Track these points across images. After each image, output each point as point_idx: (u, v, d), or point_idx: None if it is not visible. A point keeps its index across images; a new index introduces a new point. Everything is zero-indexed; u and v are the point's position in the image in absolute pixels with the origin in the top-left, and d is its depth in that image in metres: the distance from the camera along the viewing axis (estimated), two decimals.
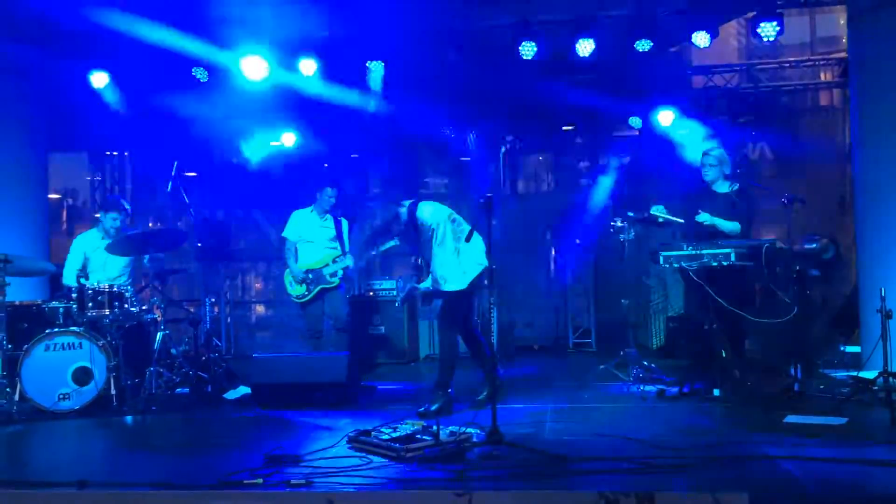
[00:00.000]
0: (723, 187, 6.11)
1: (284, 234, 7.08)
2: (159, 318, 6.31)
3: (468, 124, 10.11)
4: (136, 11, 7.54)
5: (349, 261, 6.84)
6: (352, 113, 9.92)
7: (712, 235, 5.91)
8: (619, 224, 6.63)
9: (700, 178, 6.24)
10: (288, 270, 6.98)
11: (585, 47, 7.80)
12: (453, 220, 5.45)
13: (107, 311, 5.95)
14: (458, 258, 5.38)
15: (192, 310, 7.57)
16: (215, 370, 6.58)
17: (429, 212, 5.47)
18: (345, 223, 7.05)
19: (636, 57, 8.13)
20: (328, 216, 6.99)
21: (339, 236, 6.95)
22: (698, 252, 5.60)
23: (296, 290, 6.92)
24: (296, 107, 9.69)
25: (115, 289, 6.05)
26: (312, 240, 6.95)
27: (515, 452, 4.08)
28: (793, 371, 5.65)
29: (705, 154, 6.26)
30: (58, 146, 9.50)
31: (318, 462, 3.94)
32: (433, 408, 5.22)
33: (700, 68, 10.28)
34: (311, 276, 6.83)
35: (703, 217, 5.94)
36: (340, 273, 6.86)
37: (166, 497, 3.46)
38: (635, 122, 9.84)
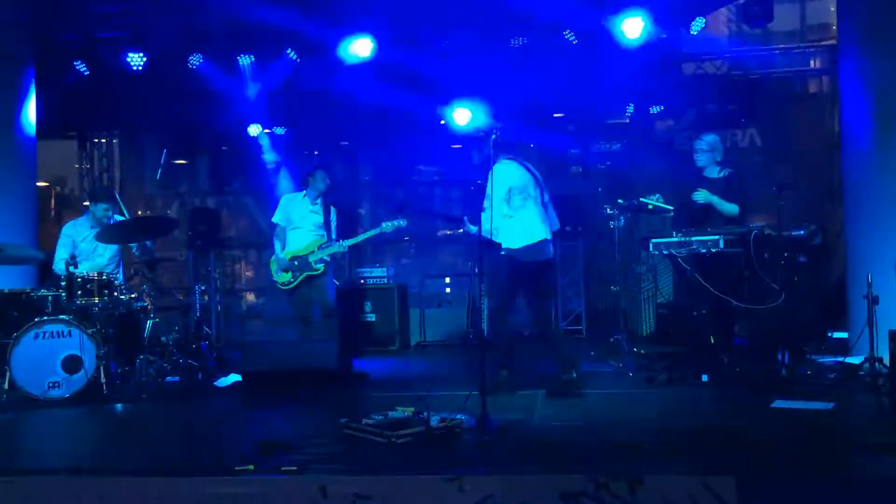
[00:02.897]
0: (714, 173, 6.13)
1: (274, 219, 7.03)
2: (149, 306, 6.29)
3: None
4: None
5: (337, 247, 6.79)
6: (342, 100, 9.93)
7: (704, 221, 5.94)
8: (609, 211, 6.64)
9: (691, 164, 6.27)
10: (274, 257, 6.94)
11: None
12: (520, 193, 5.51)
13: (96, 299, 5.92)
14: (509, 221, 5.44)
15: (182, 298, 7.55)
16: (206, 358, 6.58)
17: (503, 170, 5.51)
18: (333, 210, 7.00)
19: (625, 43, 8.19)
20: (318, 202, 6.94)
21: (326, 223, 6.89)
22: (687, 239, 5.62)
23: (281, 277, 6.89)
24: (286, 95, 9.69)
25: (104, 277, 6.02)
26: (300, 225, 6.90)
27: (505, 438, 4.10)
28: (780, 357, 5.69)
29: (697, 139, 6.29)
30: (46, 133, 9.44)
31: (309, 448, 3.95)
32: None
33: (690, 55, 10.28)
34: (296, 262, 6.80)
35: (700, 195, 5.94)
36: (327, 259, 6.81)
37: (157, 484, 3.47)
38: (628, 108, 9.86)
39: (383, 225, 6.88)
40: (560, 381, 5.42)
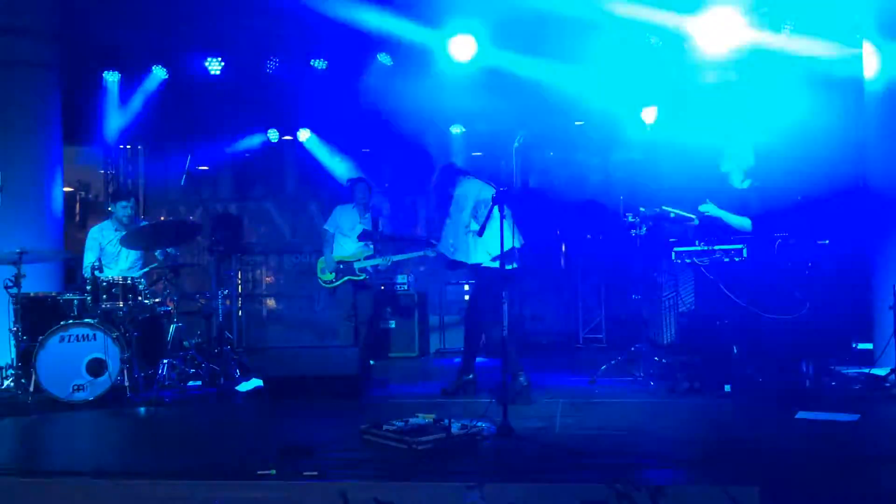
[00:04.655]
0: (738, 181, 6.08)
1: (326, 226, 7.44)
2: (172, 311, 6.34)
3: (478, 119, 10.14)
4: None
5: (381, 261, 7.13)
6: (363, 107, 9.97)
7: (725, 230, 5.89)
8: (630, 219, 6.62)
9: (716, 171, 6.23)
10: (322, 258, 7.35)
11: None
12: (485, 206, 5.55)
13: (121, 304, 6.00)
14: (470, 237, 5.64)
15: (204, 302, 7.60)
16: (228, 362, 6.62)
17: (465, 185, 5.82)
18: (381, 222, 7.36)
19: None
20: (368, 215, 7.30)
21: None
22: (710, 248, 5.59)
23: (325, 275, 7.28)
24: (308, 102, 9.76)
25: (128, 281, 6.09)
26: (349, 234, 7.24)
27: (526, 446, 4.09)
28: (804, 367, 5.63)
29: (727, 144, 6.24)
30: (72, 140, 9.57)
31: (330, 454, 3.97)
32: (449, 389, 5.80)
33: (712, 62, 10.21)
34: (341, 266, 7.17)
35: (707, 207, 5.91)
36: (370, 269, 7.17)
37: (179, 487, 3.50)
38: (648, 115, 9.80)
39: (427, 250, 7.15)
40: (512, 389, 5.44)
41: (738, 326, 5.64)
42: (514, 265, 5.80)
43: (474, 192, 5.78)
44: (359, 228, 7.22)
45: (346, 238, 7.25)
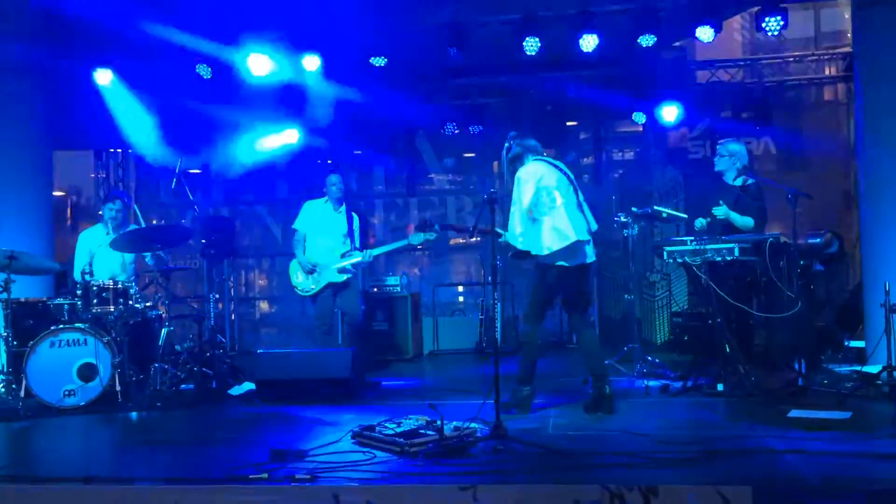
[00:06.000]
0: (731, 179, 6.10)
1: (295, 225, 6.86)
2: (164, 315, 6.31)
3: (472, 121, 10.12)
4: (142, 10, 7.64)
5: (362, 257, 6.62)
6: (355, 109, 9.96)
7: (722, 229, 5.89)
8: (623, 219, 6.62)
9: (706, 172, 6.24)
10: (295, 261, 6.75)
11: (589, 42, 7.79)
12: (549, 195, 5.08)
13: (111, 308, 5.96)
14: (537, 225, 5.07)
15: (196, 306, 7.57)
16: (220, 366, 6.59)
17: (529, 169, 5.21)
18: (356, 218, 6.84)
19: (640, 52, 8.14)
20: (342, 210, 6.79)
21: (350, 232, 6.74)
22: (702, 247, 5.59)
23: (302, 283, 6.72)
24: (300, 103, 9.74)
25: (119, 285, 6.05)
26: (324, 233, 6.73)
27: (519, 447, 4.09)
28: (797, 366, 5.65)
29: (720, 144, 6.26)
30: (62, 144, 9.53)
31: (322, 457, 3.96)
32: (504, 400, 4.75)
33: (704, 63, 10.27)
34: (318, 269, 6.64)
35: (719, 210, 5.89)
36: (350, 268, 6.64)
37: (172, 491, 3.47)
38: (639, 117, 9.81)
39: (411, 237, 6.66)
40: (592, 396, 5.18)
41: (730, 325, 5.64)
42: (565, 262, 5.14)
43: (536, 176, 5.13)
44: (334, 226, 6.72)
45: (322, 237, 6.71)
